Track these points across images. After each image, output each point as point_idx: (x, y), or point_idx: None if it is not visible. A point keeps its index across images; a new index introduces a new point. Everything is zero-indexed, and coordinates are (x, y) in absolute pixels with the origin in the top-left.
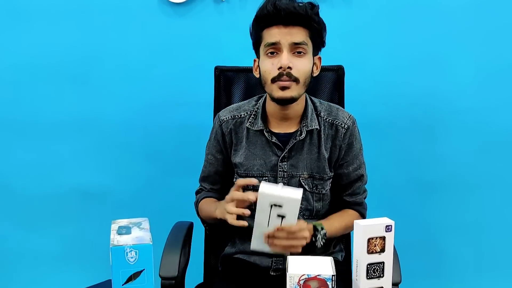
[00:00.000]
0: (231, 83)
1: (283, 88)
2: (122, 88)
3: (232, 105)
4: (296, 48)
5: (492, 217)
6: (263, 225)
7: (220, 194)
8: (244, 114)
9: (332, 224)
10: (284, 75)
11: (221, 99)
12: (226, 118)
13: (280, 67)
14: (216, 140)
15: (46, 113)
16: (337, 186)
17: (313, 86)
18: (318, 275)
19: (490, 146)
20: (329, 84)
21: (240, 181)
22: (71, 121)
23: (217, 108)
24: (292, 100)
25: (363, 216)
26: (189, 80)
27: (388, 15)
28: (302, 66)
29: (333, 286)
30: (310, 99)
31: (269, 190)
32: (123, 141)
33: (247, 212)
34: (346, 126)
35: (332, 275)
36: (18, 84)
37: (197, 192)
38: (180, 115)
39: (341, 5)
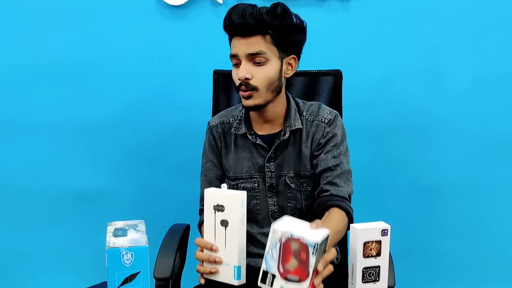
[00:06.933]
0: (230, 86)
1: (246, 98)
2: (120, 90)
3: (221, 111)
4: (254, 58)
5: (489, 221)
6: (211, 238)
7: None
8: (231, 120)
9: None
10: (243, 84)
11: (220, 103)
12: (215, 123)
13: (239, 78)
14: (210, 146)
15: (43, 114)
16: (317, 176)
17: (311, 89)
18: (301, 238)
19: (486, 151)
20: (326, 88)
21: (200, 243)
22: (68, 123)
23: (216, 112)
24: (257, 107)
25: (348, 214)
26: (188, 83)
27: (385, 20)
28: (262, 75)
29: (313, 253)
30: (294, 100)
31: (214, 190)
32: (120, 143)
33: (214, 270)
34: (326, 120)
35: (316, 243)
36: (15, 85)
37: (200, 212)
38: (178, 118)
39: (339, 10)
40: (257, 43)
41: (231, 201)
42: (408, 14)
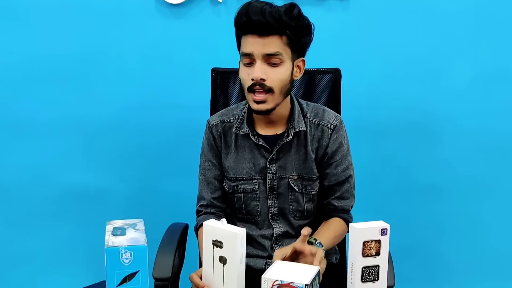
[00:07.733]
0: (228, 85)
1: (259, 102)
2: (119, 89)
3: (221, 110)
4: (269, 59)
5: (489, 221)
6: (209, 272)
7: (221, 202)
8: (232, 119)
9: (324, 235)
10: (257, 85)
11: (218, 101)
12: (215, 122)
13: (253, 78)
14: (209, 145)
15: (42, 113)
16: (325, 188)
17: (310, 88)
18: (291, 283)
19: (486, 151)
20: (325, 87)
21: (193, 281)
22: (67, 122)
23: (214, 110)
24: (268, 112)
25: (348, 224)
26: (186, 81)
27: (385, 19)
28: (277, 76)
29: None
30: (297, 100)
31: (214, 223)
32: (119, 142)
33: None
34: (332, 126)
35: (306, 285)
36: (14, 84)
37: (197, 213)
38: (177, 117)
39: (338, 9)
40: (275, 43)
41: (229, 239)
42: (408, 13)
